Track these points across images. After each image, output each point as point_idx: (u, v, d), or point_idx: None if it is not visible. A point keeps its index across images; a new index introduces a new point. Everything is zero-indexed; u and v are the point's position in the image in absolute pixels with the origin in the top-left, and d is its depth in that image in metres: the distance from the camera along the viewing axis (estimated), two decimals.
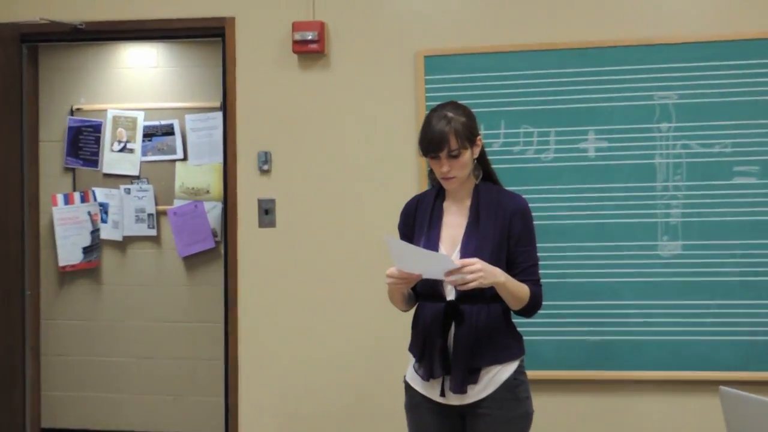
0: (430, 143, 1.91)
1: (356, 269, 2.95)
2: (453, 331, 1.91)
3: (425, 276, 1.86)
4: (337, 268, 2.98)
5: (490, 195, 1.98)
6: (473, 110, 2.00)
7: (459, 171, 1.93)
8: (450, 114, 1.92)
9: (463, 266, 1.78)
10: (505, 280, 1.86)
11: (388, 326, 2.72)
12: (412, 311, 2.06)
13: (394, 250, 1.83)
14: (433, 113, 1.95)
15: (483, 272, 1.79)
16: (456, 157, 1.91)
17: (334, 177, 2.99)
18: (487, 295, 1.90)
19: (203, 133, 3.83)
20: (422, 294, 1.99)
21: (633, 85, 2.77)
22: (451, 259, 1.82)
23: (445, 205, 2.02)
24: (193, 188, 3.84)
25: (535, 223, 2.00)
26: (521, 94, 2.83)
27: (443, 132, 1.89)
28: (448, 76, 2.87)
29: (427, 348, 1.93)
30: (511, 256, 1.95)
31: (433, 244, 1.95)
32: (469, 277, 1.78)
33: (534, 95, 2.82)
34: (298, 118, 3.02)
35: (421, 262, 1.82)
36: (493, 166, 2.07)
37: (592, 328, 2.77)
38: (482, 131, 2.73)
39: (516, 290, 1.90)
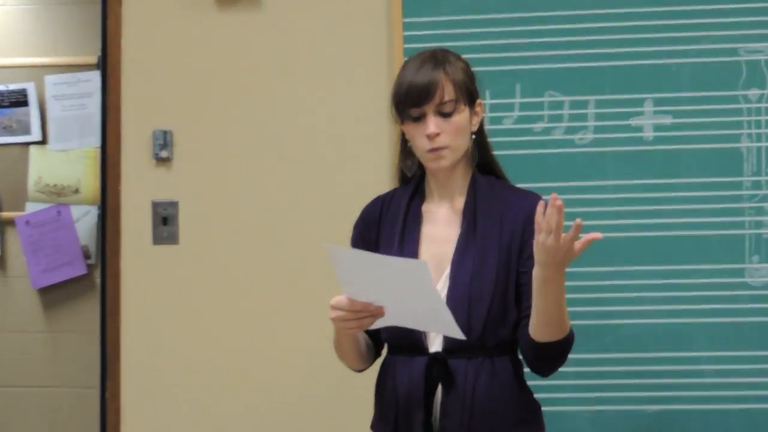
0: (411, 89, 1.91)
1: (297, 306, 2.94)
2: (439, 400, 1.91)
3: (391, 313, 1.79)
4: (268, 305, 2.97)
5: (492, 192, 1.99)
6: (473, 69, 2.04)
7: (452, 139, 1.93)
8: (441, 56, 1.95)
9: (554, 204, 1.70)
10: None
11: (346, 390, 2.72)
12: (374, 369, 2.05)
13: (341, 264, 1.75)
14: (416, 56, 1.98)
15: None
16: (449, 115, 1.91)
17: (267, 168, 2.99)
18: (490, 345, 1.90)
19: (72, 102, 3.84)
20: (391, 344, 2.00)
21: (709, 33, 2.79)
22: (441, 299, 1.77)
23: (426, 208, 2.03)
24: (55, 185, 3.84)
25: None
26: (545, 47, 2.84)
27: (433, 75, 1.91)
28: (437, 18, 2.87)
29: (401, 425, 1.93)
30: (523, 282, 1.92)
31: None
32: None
33: (564, 48, 2.83)
34: (214, 82, 3.02)
35: (384, 282, 1.72)
36: (504, 153, 2.12)
37: (649, 393, 2.78)
38: (487, 101, 2.76)
39: (565, 311, 1.82)
